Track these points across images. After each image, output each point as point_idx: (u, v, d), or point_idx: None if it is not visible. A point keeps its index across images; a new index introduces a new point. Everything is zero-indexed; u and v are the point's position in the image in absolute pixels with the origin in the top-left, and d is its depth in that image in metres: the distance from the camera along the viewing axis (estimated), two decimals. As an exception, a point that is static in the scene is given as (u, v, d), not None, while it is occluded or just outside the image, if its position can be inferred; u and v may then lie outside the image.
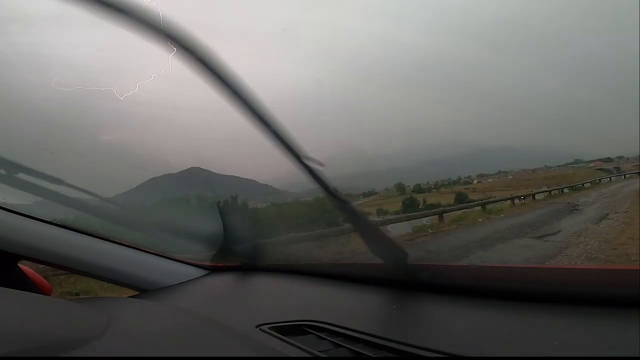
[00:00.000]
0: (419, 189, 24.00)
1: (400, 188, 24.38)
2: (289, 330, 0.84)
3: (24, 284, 1.04)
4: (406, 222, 9.96)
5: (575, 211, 8.91)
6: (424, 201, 20.64)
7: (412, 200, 21.39)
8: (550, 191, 15.74)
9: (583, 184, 17.79)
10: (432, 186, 24.49)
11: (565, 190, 16.20)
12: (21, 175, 1.02)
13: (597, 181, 18.71)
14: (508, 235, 6.33)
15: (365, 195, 24.54)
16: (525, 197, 14.17)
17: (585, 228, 6.28)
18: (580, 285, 0.73)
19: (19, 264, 1.06)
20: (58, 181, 1.05)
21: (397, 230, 9.54)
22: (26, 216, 1.08)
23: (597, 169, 22.66)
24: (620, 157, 24.24)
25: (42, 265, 1.12)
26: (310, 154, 0.77)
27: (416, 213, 12.04)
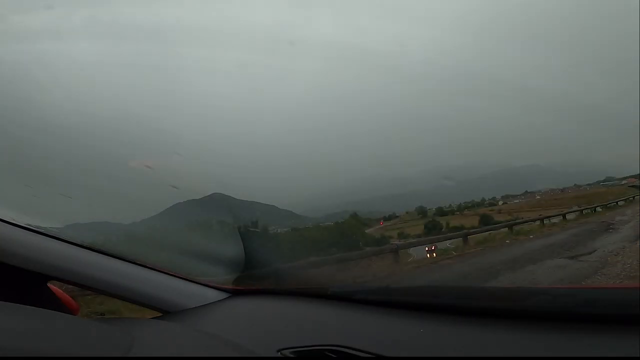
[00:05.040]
0: (441, 212, 23.41)
1: (422, 211, 23.85)
2: (312, 355, 0.83)
3: (53, 303, 1.07)
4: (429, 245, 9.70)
5: (610, 230, 8.46)
6: (447, 224, 20.12)
7: (434, 224, 20.87)
8: (582, 210, 15.06)
9: (617, 202, 16.94)
10: (455, 208, 23.83)
11: (598, 209, 15.46)
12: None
13: (631, 199, 17.75)
14: (539, 256, 6.06)
15: (385, 219, 24.16)
16: (554, 216, 13.58)
17: (622, 247, 5.95)
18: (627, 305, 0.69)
19: (48, 284, 1.09)
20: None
21: (419, 253, 9.32)
22: (56, 238, 1.12)
23: (630, 186, 21.53)
24: (654, 173, 23.00)
25: (71, 286, 1.15)
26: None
27: (440, 236, 11.75)
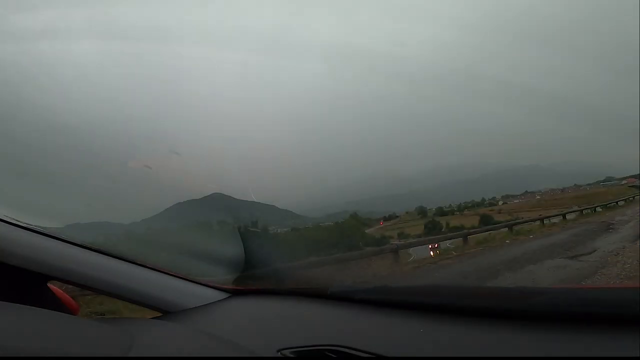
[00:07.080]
0: (441, 212, 23.38)
1: (422, 211, 23.82)
2: (312, 355, 0.83)
3: (53, 303, 1.07)
4: (429, 245, 9.71)
5: (610, 230, 8.45)
6: (447, 224, 20.14)
7: (434, 224, 20.88)
8: (581, 210, 15.05)
9: (617, 202, 16.92)
10: (455, 208, 23.78)
11: (598, 209, 15.45)
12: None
13: (631, 199, 17.73)
14: (539, 256, 6.05)
15: (385, 219, 24.13)
16: (554, 216, 13.56)
17: (622, 247, 5.95)
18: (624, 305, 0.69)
19: (48, 284, 1.09)
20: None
21: (419, 253, 9.33)
22: (56, 238, 1.12)
23: (630, 186, 21.47)
24: (654, 173, 22.86)
25: (71, 286, 1.15)
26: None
27: (440, 236, 11.74)
